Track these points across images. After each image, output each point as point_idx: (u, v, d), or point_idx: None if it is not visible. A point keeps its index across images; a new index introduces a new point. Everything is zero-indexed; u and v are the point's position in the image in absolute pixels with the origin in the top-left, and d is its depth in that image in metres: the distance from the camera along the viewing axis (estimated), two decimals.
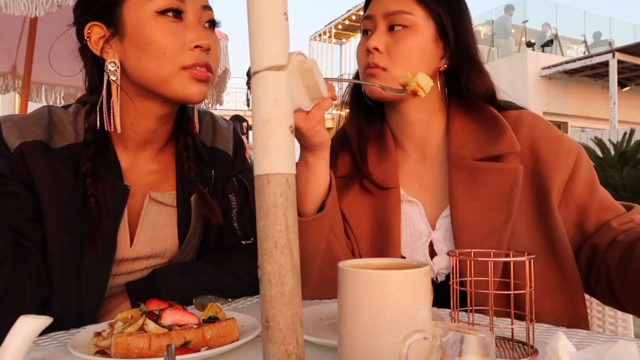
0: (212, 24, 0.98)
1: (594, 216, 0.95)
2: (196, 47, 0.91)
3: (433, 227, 1.03)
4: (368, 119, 1.09)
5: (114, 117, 0.92)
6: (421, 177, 1.07)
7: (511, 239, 0.94)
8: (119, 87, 0.93)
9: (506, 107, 1.04)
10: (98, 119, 0.93)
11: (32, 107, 1.06)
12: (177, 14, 0.91)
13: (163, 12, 0.90)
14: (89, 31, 0.93)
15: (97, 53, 0.93)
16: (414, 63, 0.98)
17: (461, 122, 1.02)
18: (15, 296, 0.85)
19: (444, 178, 1.03)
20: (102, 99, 0.92)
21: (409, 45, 0.98)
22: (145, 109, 0.97)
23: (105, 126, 0.92)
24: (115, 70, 0.92)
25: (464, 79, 1.02)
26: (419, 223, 1.04)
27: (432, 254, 1.03)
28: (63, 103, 3.08)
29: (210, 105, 3.26)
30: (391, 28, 0.98)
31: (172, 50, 0.89)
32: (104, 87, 0.92)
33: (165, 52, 0.89)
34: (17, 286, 0.86)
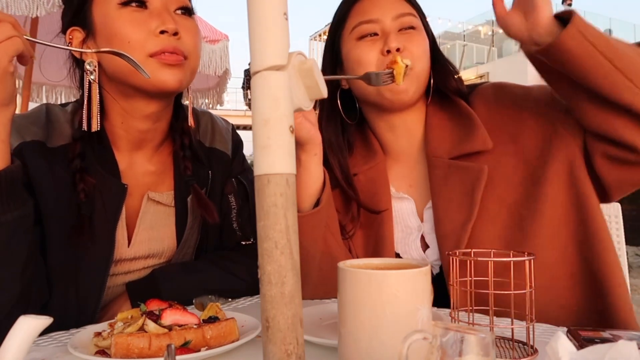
0: (186, 11, 0.97)
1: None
2: (162, 32, 0.90)
3: (422, 220, 1.05)
4: (344, 128, 1.10)
5: (93, 116, 0.92)
6: (410, 177, 1.09)
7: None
8: (98, 87, 0.93)
9: (471, 90, 1.07)
10: (83, 118, 0.93)
11: (33, 107, 1.07)
12: (141, 3, 0.91)
13: (126, 4, 0.91)
14: (70, 36, 0.96)
15: (77, 55, 0.96)
16: (427, 61, 1.02)
17: (438, 119, 1.05)
18: (23, 302, 0.85)
19: (427, 174, 1.05)
20: (85, 100, 0.93)
21: (423, 44, 1.02)
22: (132, 108, 0.97)
23: (84, 126, 0.92)
24: (94, 70, 0.92)
25: (440, 78, 1.05)
26: (409, 219, 1.06)
27: (425, 247, 1.04)
28: None
29: (210, 106, 3.26)
30: (400, 30, 1.00)
31: (136, 38, 0.89)
32: (85, 88, 0.93)
33: (129, 41, 0.89)
34: (26, 292, 0.86)
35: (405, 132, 1.07)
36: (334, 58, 1.08)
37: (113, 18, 0.90)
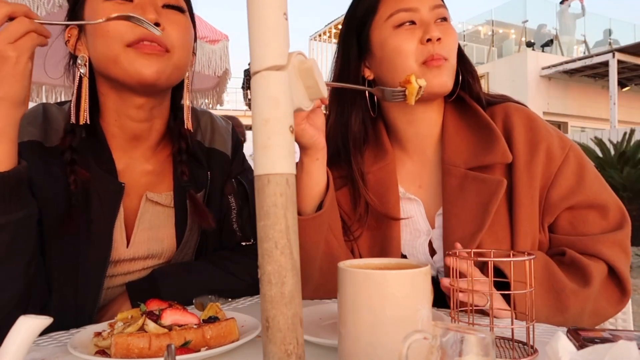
0: (174, 7, 0.97)
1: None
2: None
3: (432, 226, 1.04)
4: (363, 122, 1.08)
5: (81, 109, 0.93)
6: (420, 178, 1.08)
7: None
8: (88, 81, 0.94)
9: (491, 102, 1.05)
10: (72, 111, 0.94)
11: (31, 107, 1.08)
12: None
13: None
14: (69, 35, 0.98)
15: (72, 52, 0.98)
16: (456, 56, 1.01)
17: (455, 125, 1.03)
18: (23, 301, 0.85)
19: (440, 179, 1.04)
20: (74, 94, 0.94)
21: (456, 37, 1.01)
22: (123, 103, 0.97)
23: (72, 118, 0.93)
24: (84, 63, 0.94)
25: (465, 77, 1.04)
26: (419, 221, 1.05)
27: (432, 251, 1.03)
28: None
29: (210, 106, 3.26)
30: (436, 21, 1.00)
31: (115, 28, 0.89)
32: (76, 81, 0.94)
33: (109, 30, 0.89)
34: (27, 292, 0.86)
35: (424, 128, 1.05)
36: (360, 47, 1.05)
37: (96, 11, 0.91)
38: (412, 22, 0.98)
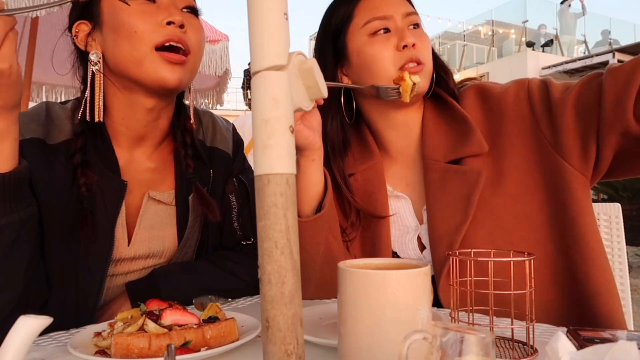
0: (192, 10, 0.99)
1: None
2: (169, 24, 0.91)
3: (421, 222, 1.06)
4: (342, 128, 1.09)
5: (97, 107, 0.93)
6: (406, 177, 1.10)
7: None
8: (102, 77, 0.94)
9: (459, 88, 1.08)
10: (81, 111, 0.94)
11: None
12: None
13: None
14: (77, 30, 0.97)
15: (82, 48, 0.97)
16: (431, 59, 1.04)
17: (434, 122, 1.06)
18: (23, 301, 0.85)
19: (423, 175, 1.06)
20: (87, 91, 0.94)
21: (429, 42, 1.05)
22: (132, 102, 0.97)
23: (87, 116, 0.93)
24: (98, 60, 0.94)
25: (438, 80, 1.07)
26: (407, 218, 1.07)
27: (421, 247, 1.05)
28: None
29: (210, 106, 3.26)
30: (409, 27, 1.02)
31: (143, 28, 0.90)
32: (89, 80, 0.94)
33: (136, 31, 0.90)
34: (26, 292, 0.86)
35: (405, 130, 1.07)
36: (337, 54, 1.07)
37: (121, 9, 0.91)
38: (387, 30, 1.01)
